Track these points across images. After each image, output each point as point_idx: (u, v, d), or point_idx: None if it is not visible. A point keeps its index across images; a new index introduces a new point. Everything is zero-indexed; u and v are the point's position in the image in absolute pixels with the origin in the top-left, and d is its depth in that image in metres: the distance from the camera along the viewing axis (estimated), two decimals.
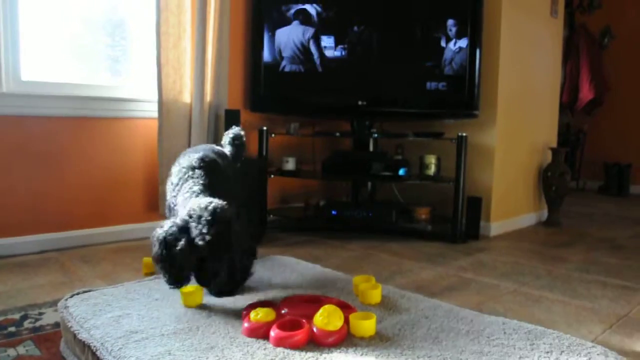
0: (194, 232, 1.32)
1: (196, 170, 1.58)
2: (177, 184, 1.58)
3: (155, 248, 1.34)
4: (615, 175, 5.69)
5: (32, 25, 2.70)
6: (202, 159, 1.63)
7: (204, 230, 1.31)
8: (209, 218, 1.32)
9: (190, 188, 1.52)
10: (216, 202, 1.37)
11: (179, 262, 1.32)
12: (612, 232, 3.66)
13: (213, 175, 1.59)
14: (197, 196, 1.47)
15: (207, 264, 1.35)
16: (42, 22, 2.76)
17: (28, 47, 2.69)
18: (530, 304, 2.06)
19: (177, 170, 1.63)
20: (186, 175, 1.57)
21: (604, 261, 2.79)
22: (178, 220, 1.37)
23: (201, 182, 1.53)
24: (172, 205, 1.61)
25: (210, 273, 1.37)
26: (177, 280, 1.36)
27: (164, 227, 1.36)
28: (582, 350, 1.23)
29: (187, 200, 1.46)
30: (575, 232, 3.61)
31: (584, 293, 2.21)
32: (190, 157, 1.65)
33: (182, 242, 1.31)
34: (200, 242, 1.30)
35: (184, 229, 1.34)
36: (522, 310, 1.98)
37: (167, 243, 1.32)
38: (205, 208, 1.34)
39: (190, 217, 1.34)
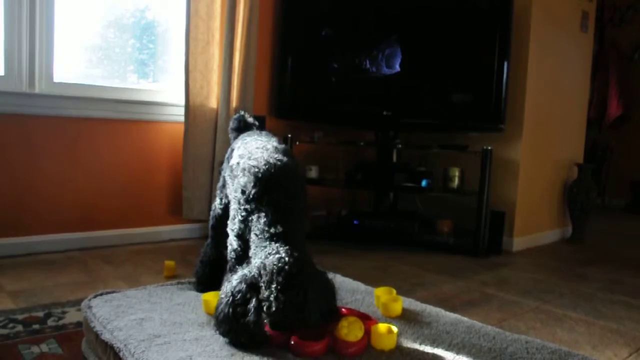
0: (263, 295, 1.15)
1: (275, 195, 1.29)
2: (251, 200, 1.29)
3: (222, 306, 1.20)
4: None
5: (63, 27, 2.75)
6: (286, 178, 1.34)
7: (273, 299, 1.13)
8: (281, 285, 1.13)
9: (266, 227, 1.25)
10: (290, 260, 1.16)
11: (249, 332, 1.19)
12: (638, 251, 3.58)
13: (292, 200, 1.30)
14: (274, 241, 1.23)
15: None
16: (72, 24, 2.81)
17: (59, 49, 2.74)
18: (553, 323, 2.02)
19: (247, 180, 1.32)
20: (261, 200, 1.28)
21: (630, 282, 2.73)
22: (247, 272, 1.19)
23: (279, 219, 1.25)
24: (239, 231, 1.33)
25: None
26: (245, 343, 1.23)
27: (233, 283, 1.20)
28: None
29: (262, 246, 1.24)
30: (599, 250, 3.54)
31: (608, 314, 2.17)
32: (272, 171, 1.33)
33: (252, 311, 1.16)
34: (269, 313, 1.14)
35: (254, 288, 1.17)
36: (545, 329, 1.95)
37: (235, 307, 1.17)
38: (279, 272, 1.14)
39: (260, 276, 1.16)
